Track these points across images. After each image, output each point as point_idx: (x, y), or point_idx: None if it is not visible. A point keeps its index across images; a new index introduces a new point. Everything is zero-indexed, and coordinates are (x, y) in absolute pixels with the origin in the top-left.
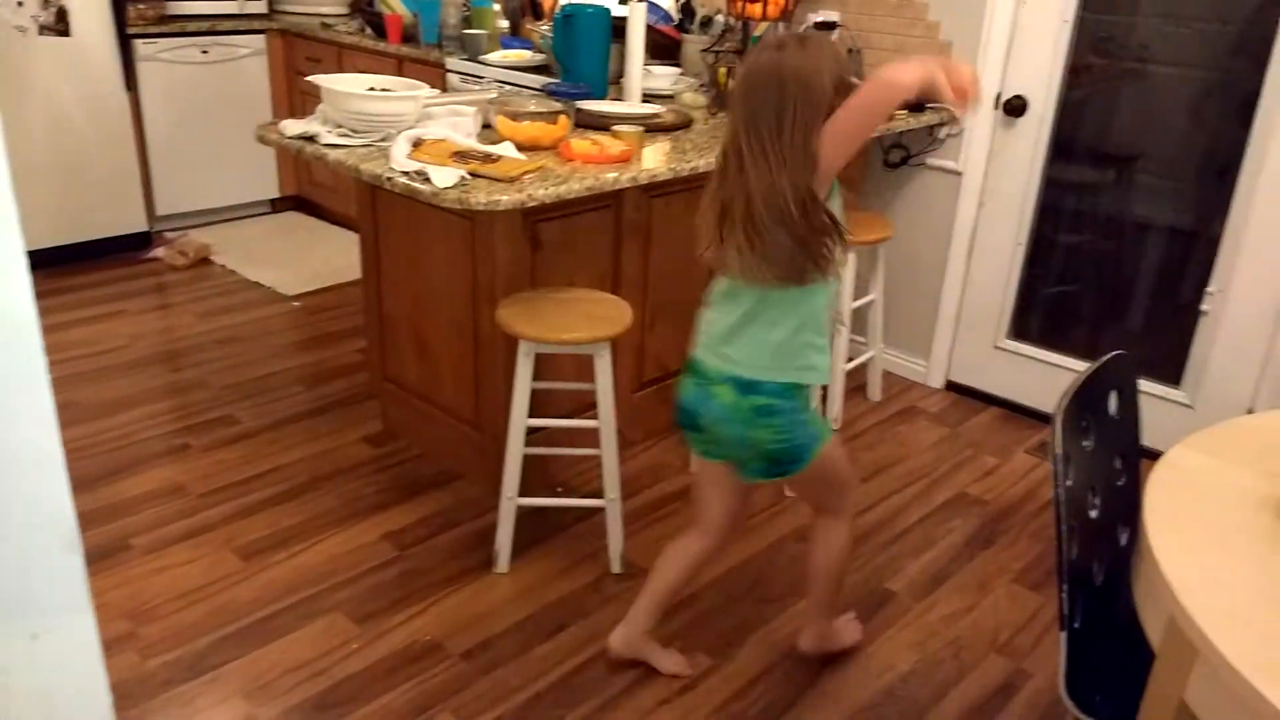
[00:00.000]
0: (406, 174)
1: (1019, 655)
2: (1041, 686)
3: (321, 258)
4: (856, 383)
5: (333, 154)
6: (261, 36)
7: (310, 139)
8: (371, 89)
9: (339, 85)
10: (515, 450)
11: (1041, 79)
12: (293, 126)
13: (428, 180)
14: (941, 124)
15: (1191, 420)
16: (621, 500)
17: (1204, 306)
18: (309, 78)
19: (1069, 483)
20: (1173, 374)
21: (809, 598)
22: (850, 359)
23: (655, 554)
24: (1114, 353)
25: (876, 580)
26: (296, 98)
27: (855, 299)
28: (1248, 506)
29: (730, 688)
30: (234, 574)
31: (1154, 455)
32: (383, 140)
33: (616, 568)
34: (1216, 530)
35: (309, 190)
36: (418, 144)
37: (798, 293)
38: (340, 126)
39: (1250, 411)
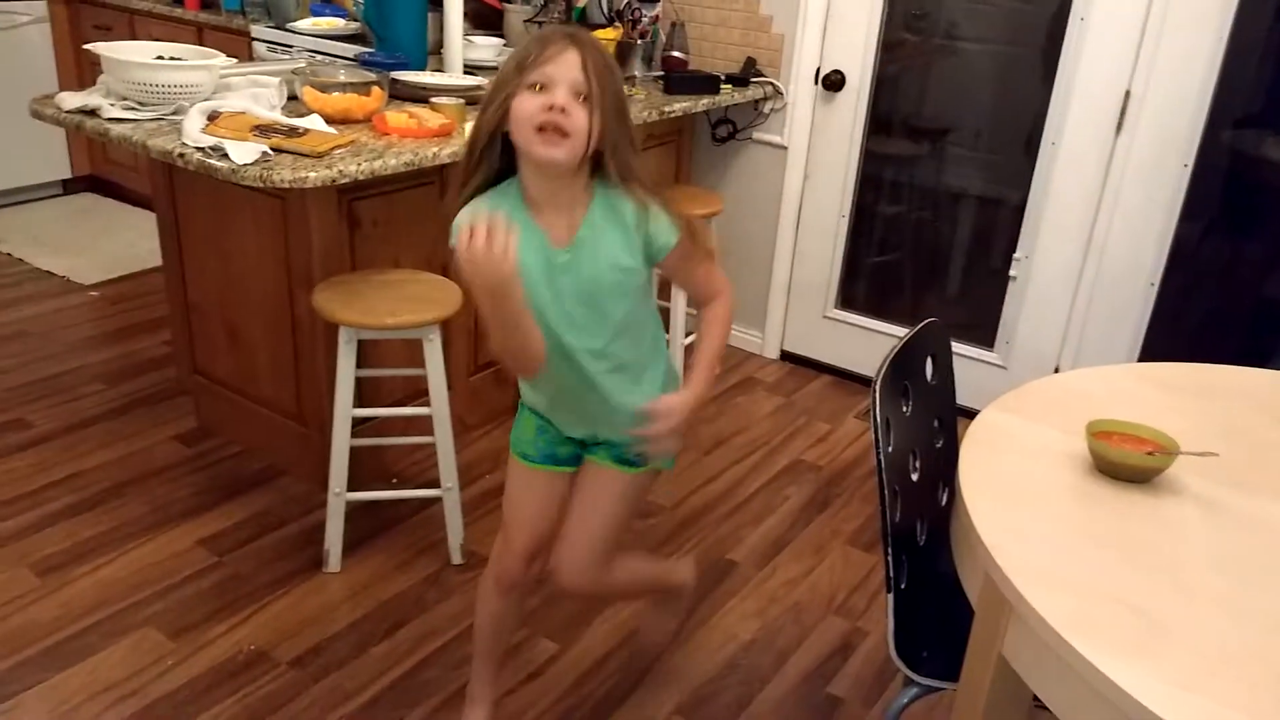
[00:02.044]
0: (201, 150)
1: (855, 615)
2: (877, 643)
3: (124, 242)
4: None
5: (116, 129)
6: (42, 3)
7: (92, 113)
8: (160, 57)
9: (122, 54)
10: (341, 442)
11: (857, 55)
12: (71, 99)
13: (225, 156)
14: (765, 98)
15: (1005, 381)
16: (460, 488)
17: (1012, 272)
18: (86, 46)
19: (890, 449)
20: (987, 337)
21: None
22: (689, 334)
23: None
24: (927, 320)
25: (719, 551)
26: (86, 69)
27: None
28: (1055, 463)
29: (576, 671)
30: (30, 592)
31: (973, 415)
32: (174, 114)
33: (457, 559)
34: (1026, 488)
35: (106, 169)
36: (214, 117)
37: None
38: (126, 99)
39: (1057, 370)
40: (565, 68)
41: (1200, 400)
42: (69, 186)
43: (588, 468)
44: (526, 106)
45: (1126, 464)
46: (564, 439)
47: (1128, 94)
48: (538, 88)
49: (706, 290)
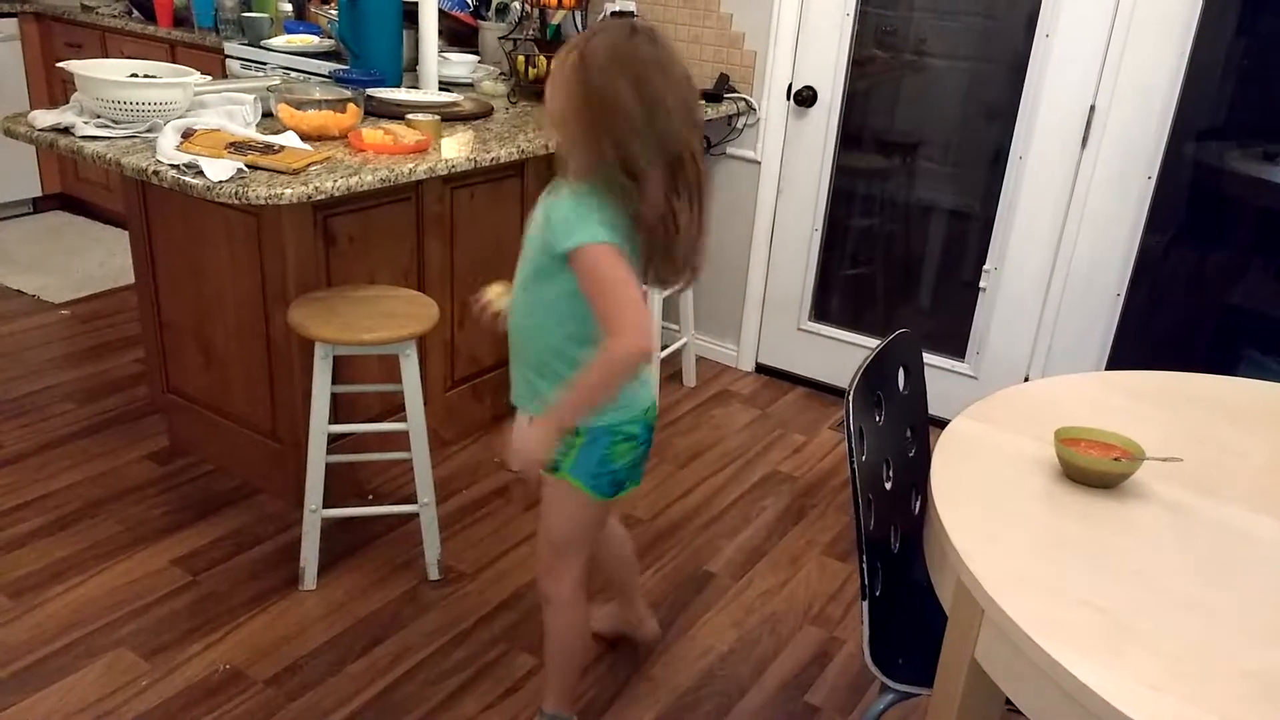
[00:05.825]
0: (176, 167)
1: (831, 624)
2: (854, 651)
3: (95, 261)
4: (672, 370)
5: (90, 146)
6: (13, 20)
7: (65, 131)
8: (134, 75)
9: (96, 72)
10: (317, 459)
11: (829, 71)
12: (45, 117)
13: (200, 173)
14: (738, 114)
15: (976, 390)
16: (437, 504)
17: (982, 284)
18: (60, 64)
19: (863, 458)
20: (958, 348)
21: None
22: (664, 346)
23: (475, 556)
24: (898, 331)
25: (696, 563)
26: (58, 87)
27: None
28: (1024, 470)
29: None
30: (2, 614)
31: (945, 424)
32: (149, 131)
33: (434, 574)
34: (996, 494)
35: (76, 188)
36: (188, 134)
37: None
38: (99, 117)
39: (1027, 379)
40: None
41: (1165, 407)
42: (39, 205)
43: None
44: None
45: (1094, 470)
46: None
47: (1092, 108)
48: None
49: (600, 321)
